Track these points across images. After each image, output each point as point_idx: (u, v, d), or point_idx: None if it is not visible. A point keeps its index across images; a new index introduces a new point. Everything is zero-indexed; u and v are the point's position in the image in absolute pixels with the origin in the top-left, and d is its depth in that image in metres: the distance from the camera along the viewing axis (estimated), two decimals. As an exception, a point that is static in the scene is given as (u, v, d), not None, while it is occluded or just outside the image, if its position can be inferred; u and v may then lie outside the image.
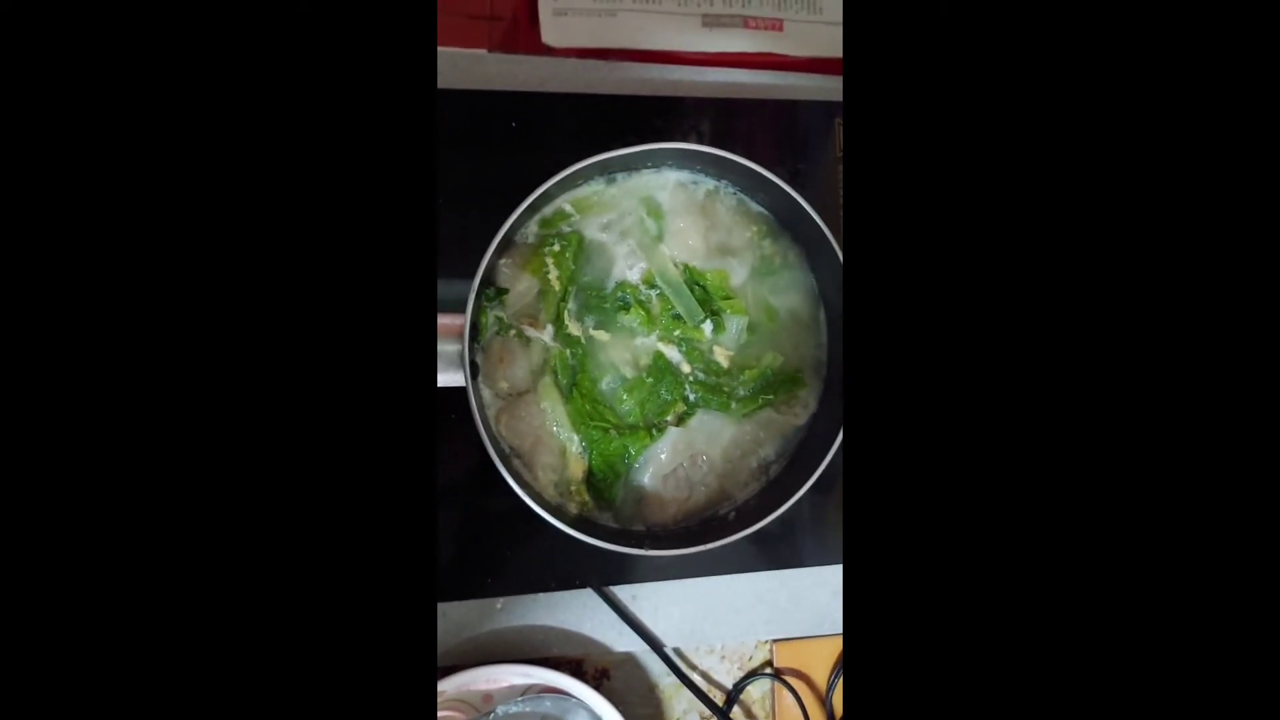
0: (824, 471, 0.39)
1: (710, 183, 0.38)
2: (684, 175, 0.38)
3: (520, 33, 0.52)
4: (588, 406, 0.36)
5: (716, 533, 0.33)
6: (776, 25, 0.52)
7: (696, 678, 0.44)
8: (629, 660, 0.43)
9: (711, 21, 0.51)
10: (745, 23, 0.51)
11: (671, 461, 0.37)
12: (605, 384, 0.36)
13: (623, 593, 0.42)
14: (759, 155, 0.40)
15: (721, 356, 0.37)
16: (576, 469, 0.36)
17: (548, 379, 0.36)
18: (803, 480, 0.34)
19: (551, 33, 0.48)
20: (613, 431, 0.36)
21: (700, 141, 0.41)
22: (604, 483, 0.36)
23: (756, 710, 0.45)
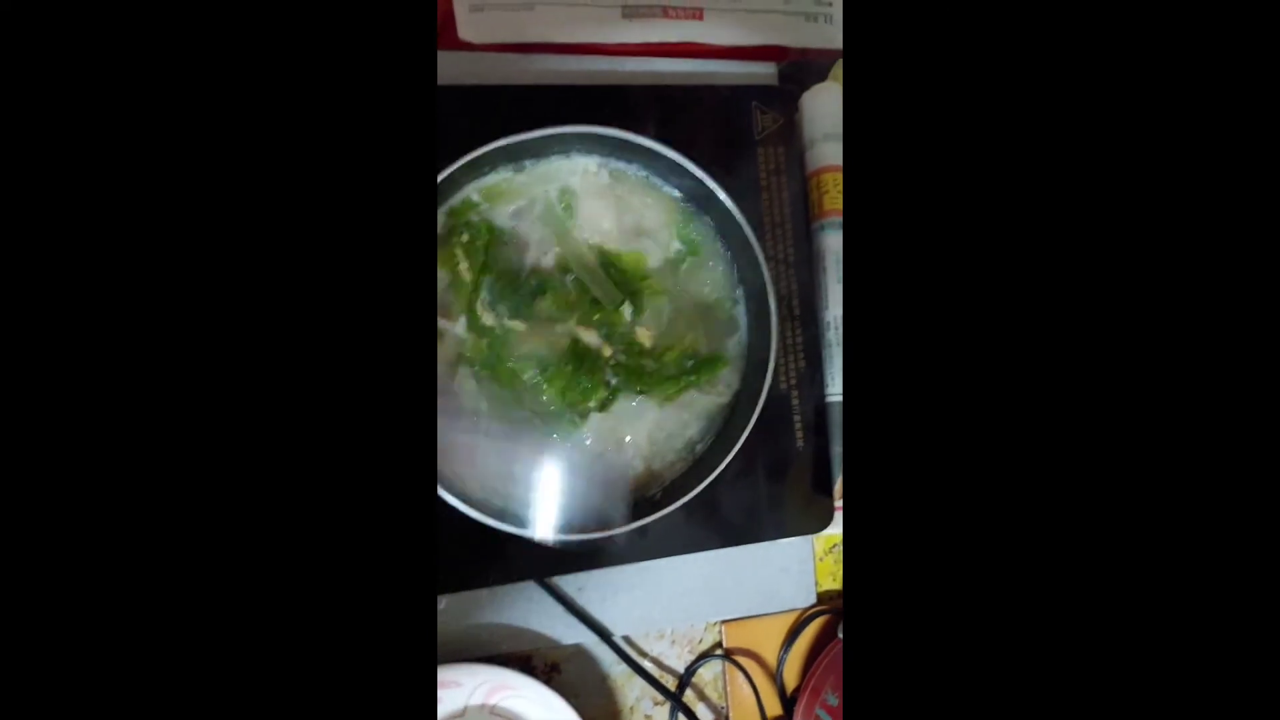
0: (774, 447, 0.40)
1: (622, 167, 0.38)
2: (594, 160, 0.38)
3: (449, 32, 0.52)
4: (508, 397, 0.36)
5: (642, 513, 0.34)
6: (697, 14, 0.52)
7: (648, 664, 0.44)
8: (579, 652, 0.43)
9: (631, 13, 0.51)
10: (665, 12, 0.52)
11: (596, 447, 0.37)
12: (525, 374, 0.36)
13: (568, 584, 0.42)
14: (678, 141, 0.41)
15: (644, 337, 0.37)
16: (500, 460, 0.36)
17: (464, 370, 0.36)
18: (726, 456, 0.34)
19: (468, 29, 0.47)
20: (536, 421, 0.36)
21: (620, 128, 0.41)
22: (529, 472, 0.36)
23: (709, 692, 0.45)
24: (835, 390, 0.43)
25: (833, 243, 0.43)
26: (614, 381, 0.37)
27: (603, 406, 0.37)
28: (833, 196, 0.44)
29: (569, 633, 0.42)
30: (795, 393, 0.42)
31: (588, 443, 0.36)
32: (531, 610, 0.41)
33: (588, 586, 0.42)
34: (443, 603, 0.40)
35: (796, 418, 0.42)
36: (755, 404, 0.35)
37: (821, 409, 0.42)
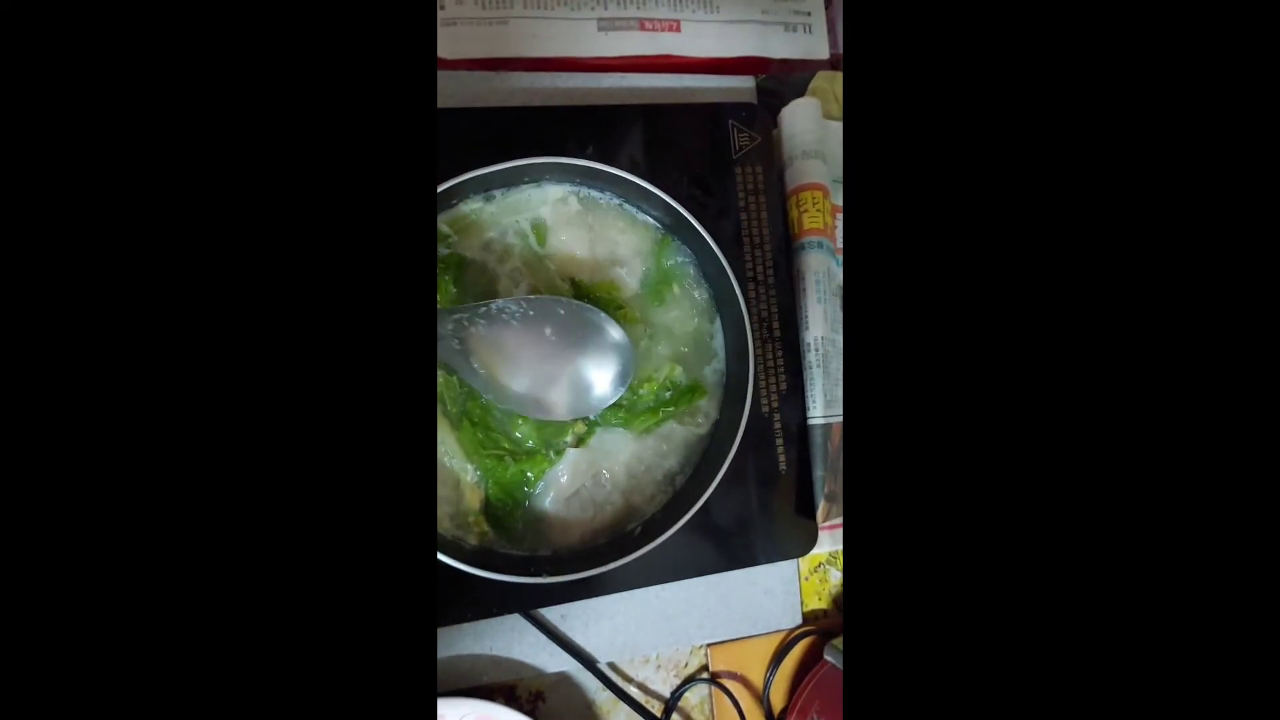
0: (756, 472, 0.39)
1: (595, 195, 0.37)
2: (566, 188, 0.37)
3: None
4: (480, 434, 0.35)
5: (620, 551, 0.33)
6: (674, 26, 0.51)
7: (633, 690, 0.43)
8: (563, 680, 0.43)
9: (607, 25, 0.50)
10: (641, 25, 0.51)
11: (573, 483, 0.36)
12: (498, 410, 0.35)
13: (551, 613, 0.41)
14: (654, 162, 0.40)
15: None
16: (473, 499, 0.35)
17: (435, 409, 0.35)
18: (706, 487, 0.33)
19: (440, 45, 0.46)
20: (509, 458, 0.35)
21: (595, 149, 0.41)
22: (504, 511, 0.35)
23: (696, 716, 0.45)
24: (817, 412, 0.42)
25: (813, 262, 0.43)
26: (592, 415, 0.36)
27: (579, 441, 0.36)
28: (812, 215, 0.43)
29: (552, 661, 0.41)
30: (777, 416, 0.41)
31: (563, 479, 0.36)
32: (514, 640, 0.41)
33: (570, 614, 0.41)
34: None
35: (779, 441, 0.41)
36: (735, 434, 0.34)
37: (804, 431, 0.42)
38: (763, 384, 0.41)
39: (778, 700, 0.45)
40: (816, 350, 0.42)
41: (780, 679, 0.45)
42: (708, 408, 0.39)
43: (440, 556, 0.31)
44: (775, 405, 0.41)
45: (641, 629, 0.42)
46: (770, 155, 0.42)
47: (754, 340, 0.37)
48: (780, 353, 0.41)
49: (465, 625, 0.40)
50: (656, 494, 0.38)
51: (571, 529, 0.36)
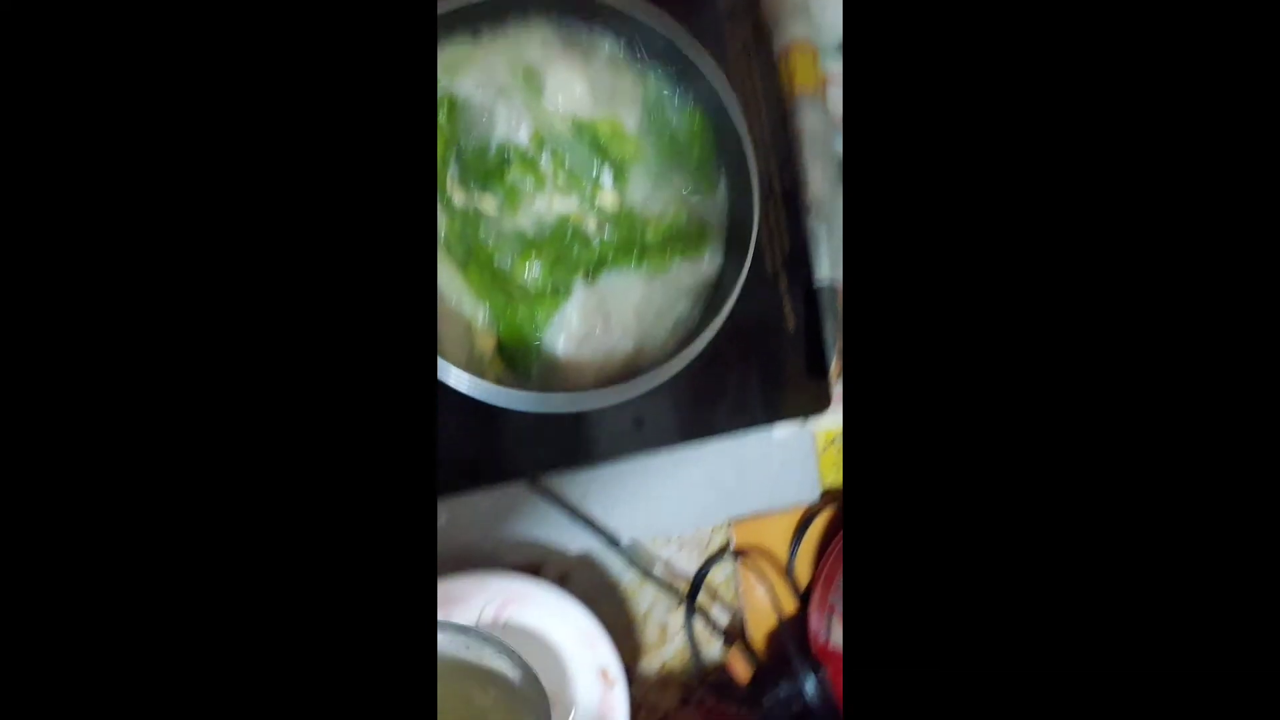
0: (766, 331, 0.39)
1: (584, 30, 0.37)
2: (555, 25, 0.36)
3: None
4: (488, 276, 0.34)
5: (638, 384, 0.33)
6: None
7: (658, 570, 0.43)
8: (586, 562, 0.42)
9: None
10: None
11: (583, 326, 0.35)
12: (505, 252, 0.35)
13: (572, 492, 0.41)
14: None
15: (627, 207, 0.36)
16: (485, 343, 0.35)
17: (440, 252, 0.34)
18: (709, 321, 0.33)
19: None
20: (517, 296, 0.35)
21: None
22: (516, 354, 0.35)
23: (723, 593, 0.44)
24: (824, 273, 0.42)
25: (809, 121, 0.42)
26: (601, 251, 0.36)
27: (591, 274, 0.36)
28: (803, 73, 0.43)
29: (574, 541, 0.41)
30: (783, 275, 0.41)
31: (574, 321, 0.35)
32: (535, 521, 0.40)
33: (590, 494, 0.41)
34: (442, 518, 0.39)
35: (786, 300, 0.41)
36: (740, 272, 0.34)
37: (811, 292, 0.41)
38: (767, 244, 0.40)
39: (803, 574, 0.45)
40: (816, 210, 0.42)
41: (804, 553, 0.45)
42: (714, 252, 0.38)
43: (459, 387, 0.31)
44: (780, 265, 0.41)
45: (661, 509, 0.42)
46: (757, 12, 0.42)
47: (758, 192, 0.37)
48: (783, 212, 0.41)
49: (484, 506, 0.40)
50: (667, 339, 0.37)
51: (585, 372, 0.36)
